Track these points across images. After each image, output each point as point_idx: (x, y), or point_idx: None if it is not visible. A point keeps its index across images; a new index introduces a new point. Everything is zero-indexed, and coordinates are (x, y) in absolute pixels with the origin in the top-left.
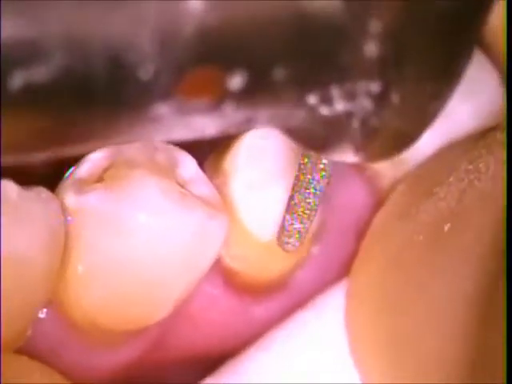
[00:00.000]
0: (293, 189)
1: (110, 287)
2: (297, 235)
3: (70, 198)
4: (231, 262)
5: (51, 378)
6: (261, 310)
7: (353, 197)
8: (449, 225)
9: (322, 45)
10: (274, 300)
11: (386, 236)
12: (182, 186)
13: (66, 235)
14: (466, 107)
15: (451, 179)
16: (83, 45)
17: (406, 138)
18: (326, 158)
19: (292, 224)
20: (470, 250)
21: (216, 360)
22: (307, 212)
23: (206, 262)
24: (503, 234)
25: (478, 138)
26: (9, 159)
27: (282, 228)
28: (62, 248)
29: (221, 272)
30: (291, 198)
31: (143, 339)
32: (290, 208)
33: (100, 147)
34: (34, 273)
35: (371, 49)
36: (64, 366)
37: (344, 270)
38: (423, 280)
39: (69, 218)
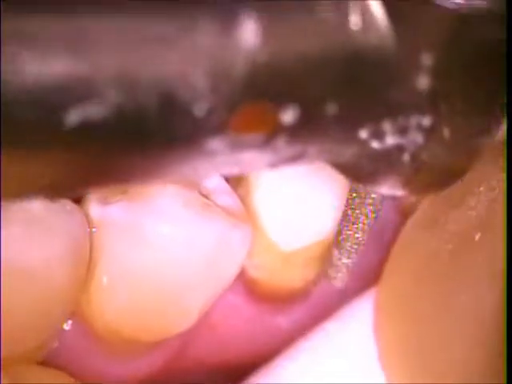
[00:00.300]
0: (340, 223)
1: (133, 298)
2: (344, 269)
3: (95, 209)
4: (254, 272)
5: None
6: (283, 320)
7: None
8: (479, 234)
9: (373, 80)
10: (295, 310)
11: (413, 246)
12: (206, 197)
13: (91, 247)
14: None
15: (482, 188)
16: (136, 84)
17: (453, 173)
18: (374, 193)
19: (340, 259)
20: (497, 261)
21: (237, 370)
22: (355, 247)
23: (229, 273)
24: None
25: None
26: (56, 195)
27: (331, 263)
28: (87, 259)
29: (243, 281)
30: (339, 232)
31: (165, 349)
32: (338, 243)
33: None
34: (59, 284)
35: (422, 83)
36: (88, 377)
37: (366, 279)
38: (450, 290)
39: (93, 229)
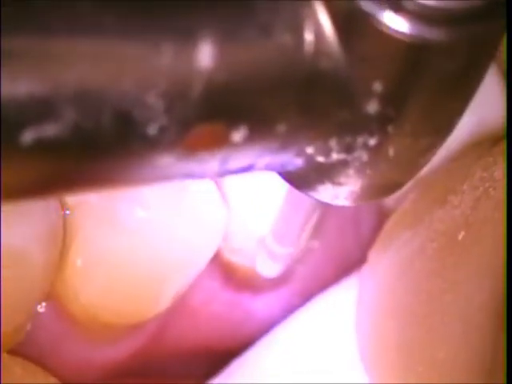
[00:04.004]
0: None
1: (108, 281)
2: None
3: None
4: (230, 256)
5: (33, 376)
6: (260, 304)
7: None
8: (463, 233)
9: (324, 102)
10: (273, 293)
11: (397, 244)
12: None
13: (65, 230)
14: (471, 115)
15: (465, 187)
16: (94, 103)
17: (394, 185)
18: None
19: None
20: (486, 260)
21: (215, 354)
22: None
23: (204, 256)
24: (504, 237)
25: (491, 145)
26: (11, 202)
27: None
28: (61, 242)
29: (220, 266)
30: None
31: (142, 333)
32: None
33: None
34: (33, 267)
35: (373, 107)
36: (63, 360)
37: (342, 265)
38: (435, 289)
39: (67, 212)
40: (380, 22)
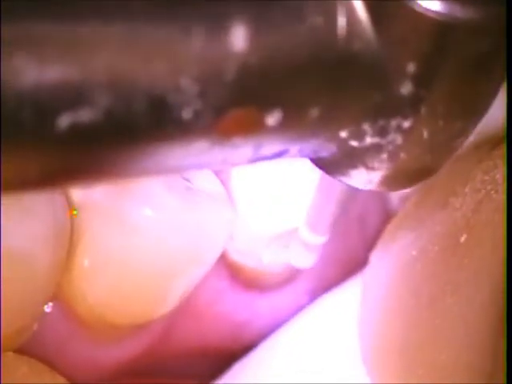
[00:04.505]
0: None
1: (114, 281)
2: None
3: (76, 192)
4: (236, 256)
5: (40, 375)
6: (267, 304)
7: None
8: (465, 236)
9: (357, 85)
10: (279, 293)
11: (399, 246)
12: (188, 181)
13: (72, 230)
14: None
15: (467, 189)
16: (126, 89)
17: (428, 170)
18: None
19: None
20: (487, 263)
21: (221, 353)
22: None
23: (211, 256)
24: (504, 238)
25: (490, 148)
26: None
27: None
28: (68, 242)
29: (227, 266)
30: None
31: (149, 333)
32: None
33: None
34: (39, 267)
35: (405, 89)
36: (69, 360)
37: (348, 265)
38: (437, 291)
39: (74, 212)
40: (412, 2)
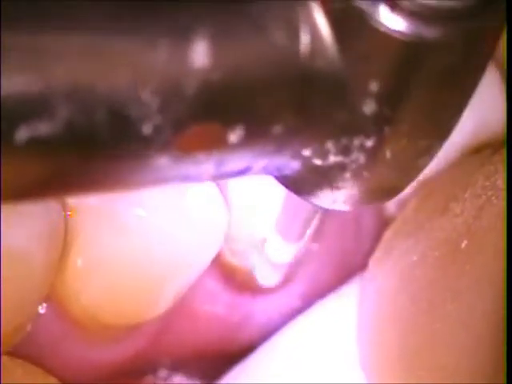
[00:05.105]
0: None
1: (108, 282)
2: None
3: None
4: (231, 258)
5: (34, 378)
6: (260, 306)
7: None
8: (466, 242)
9: (320, 103)
10: (273, 296)
11: (398, 252)
12: None
13: (66, 230)
14: (470, 119)
15: (467, 195)
16: (87, 100)
17: (393, 189)
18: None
19: None
20: (489, 270)
21: (215, 354)
22: None
23: (205, 258)
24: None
25: (492, 152)
26: (9, 203)
27: None
28: (62, 243)
29: (220, 267)
30: None
31: (142, 334)
32: None
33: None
34: (33, 267)
35: (369, 108)
36: (63, 361)
37: (343, 268)
38: (437, 298)
39: (68, 213)
40: (376, 21)
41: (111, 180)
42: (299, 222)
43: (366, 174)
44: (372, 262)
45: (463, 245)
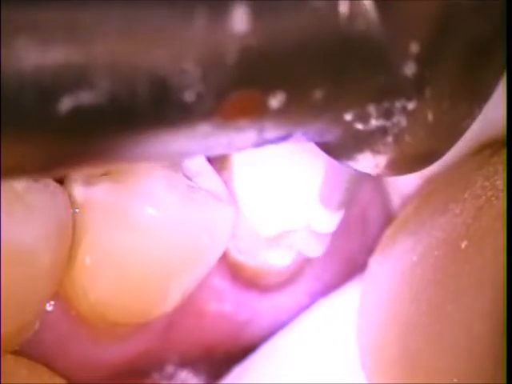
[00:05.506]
0: None
1: (117, 280)
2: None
3: (78, 190)
4: (238, 256)
5: (40, 377)
6: (267, 303)
7: (358, 195)
8: (465, 242)
9: (361, 66)
10: (280, 294)
11: (398, 251)
12: (190, 179)
13: (74, 227)
14: None
15: (466, 195)
16: (128, 72)
17: (433, 154)
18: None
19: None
20: (488, 271)
21: (222, 352)
22: None
23: (213, 255)
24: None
25: (492, 153)
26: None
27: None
28: (70, 240)
29: (228, 265)
30: None
31: (150, 332)
32: None
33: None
34: (41, 265)
35: (409, 70)
36: (70, 359)
37: (349, 267)
38: (437, 298)
39: (76, 209)
40: None
41: (153, 150)
42: (340, 190)
43: (407, 137)
44: (373, 261)
45: (463, 245)
